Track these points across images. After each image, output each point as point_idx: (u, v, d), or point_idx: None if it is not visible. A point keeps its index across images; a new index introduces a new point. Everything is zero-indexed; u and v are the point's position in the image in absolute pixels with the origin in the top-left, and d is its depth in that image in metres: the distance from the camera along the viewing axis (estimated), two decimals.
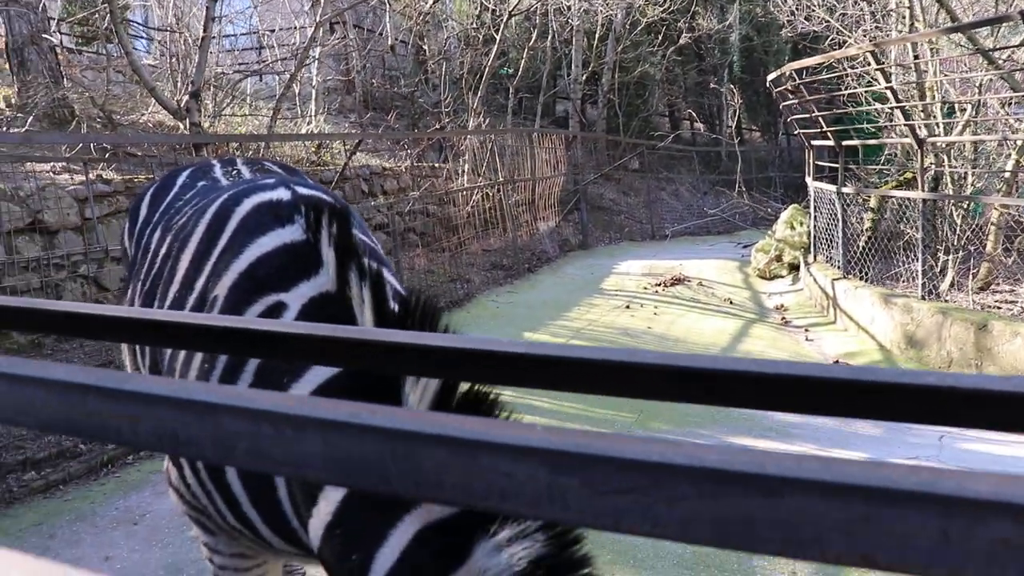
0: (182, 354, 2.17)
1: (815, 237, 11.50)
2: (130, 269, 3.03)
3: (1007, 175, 10.06)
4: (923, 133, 8.87)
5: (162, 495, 5.18)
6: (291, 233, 2.08)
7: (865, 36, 12.86)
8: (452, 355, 0.75)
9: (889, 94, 8.57)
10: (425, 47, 17.24)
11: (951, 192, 9.97)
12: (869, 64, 8.50)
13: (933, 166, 8.89)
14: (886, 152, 12.51)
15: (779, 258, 12.99)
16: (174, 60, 10.32)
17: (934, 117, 9.39)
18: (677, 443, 0.48)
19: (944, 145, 9.67)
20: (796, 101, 10.90)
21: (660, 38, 21.84)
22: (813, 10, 13.52)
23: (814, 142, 11.59)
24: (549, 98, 20.35)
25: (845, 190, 10.09)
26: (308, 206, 2.12)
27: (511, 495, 0.49)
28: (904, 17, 11.97)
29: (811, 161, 11.73)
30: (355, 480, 0.54)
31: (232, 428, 0.57)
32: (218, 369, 1.99)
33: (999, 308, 9.21)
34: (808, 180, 12.20)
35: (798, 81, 10.06)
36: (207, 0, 8.94)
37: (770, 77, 11.58)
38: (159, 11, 13.77)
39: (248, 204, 2.28)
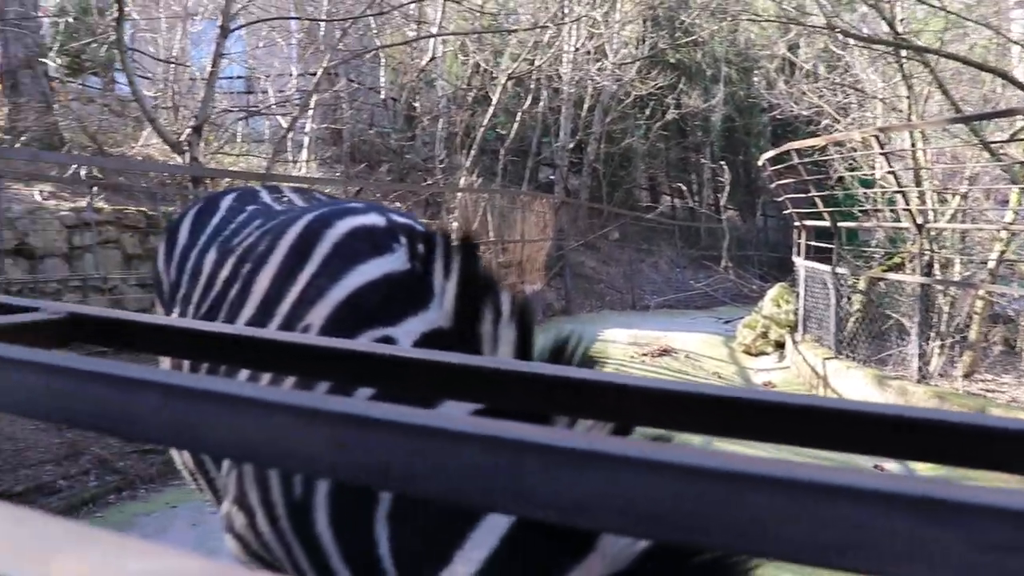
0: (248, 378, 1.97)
1: (804, 316, 11.50)
2: (169, 294, 2.84)
3: (991, 265, 10.19)
4: (919, 219, 8.95)
5: (148, 538, 4.83)
6: (392, 262, 1.92)
7: (853, 123, 13.11)
8: (623, 394, 0.64)
9: (892, 178, 8.67)
10: (417, 104, 17.30)
11: (939, 277, 10.04)
12: (870, 148, 8.61)
13: (930, 252, 8.95)
14: (875, 236, 12.66)
15: (765, 335, 12.98)
16: (175, 95, 10.16)
17: (931, 203, 9.50)
18: None
19: (936, 232, 9.77)
20: (793, 180, 11.00)
21: (648, 112, 22.19)
22: (804, 94, 13.77)
23: (807, 222, 11.67)
24: (535, 164, 20.49)
25: (840, 271, 10.12)
26: (409, 234, 1.98)
27: (859, 548, 0.40)
28: (884, 104, 12.26)
29: (803, 241, 11.79)
30: (653, 530, 0.42)
31: (479, 461, 0.45)
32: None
33: (986, 395, 9.21)
34: (796, 259, 12.26)
35: (797, 161, 10.15)
36: (217, 36, 8.84)
37: (767, 155, 11.71)
38: (154, 47, 13.70)
39: (341, 227, 2.10)
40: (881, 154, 8.20)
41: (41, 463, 5.51)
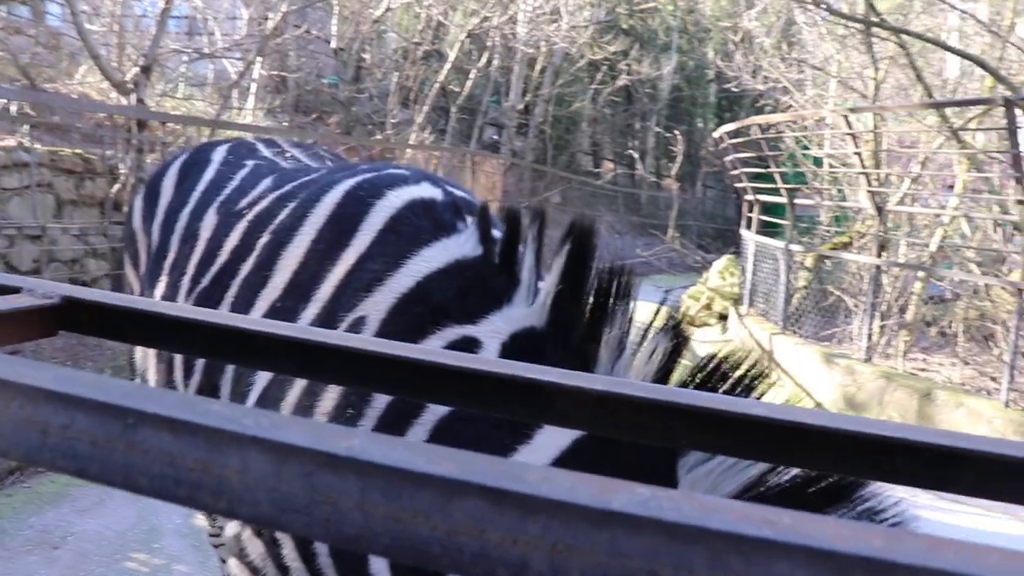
0: (266, 380, 1.70)
1: (751, 289, 11.60)
2: (153, 260, 2.47)
3: (932, 248, 10.40)
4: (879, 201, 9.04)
5: (85, 513, 4.59)
6: (461, 246, 1.63)
7: (809, 101, 13.18)
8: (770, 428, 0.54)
9: (856, 158, 8.72)
10: (367, 56, 16.85)
11: (887, 259, 10.20)
12: (828, 127, 8.64)
13: (884, 234, 9.06)
14: (819, 214, 12.82)
15: (709, 307, 13.09)
16: (122, 31, 9.62)
17: (891, 186, 9.61)
18: None
19: (893, 215, 9.91)
20: (750, 155, 11.01)
21: (599, 77, 22.08)
22: (760, 68, 13.79)
23: (760, 197, 11.72)
24: (483, 123, 20.23)
25: (793, 247, 10.20)
26: (473, 211, 1.73)
27: None
28: (840, 83, 12.36)
29: (755, 215, 11.84)
30: None
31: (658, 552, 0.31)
32: (370, 418, 1.49)
33: (932, 377, 9.43)
34: (745, 232, 12.34)
35: (760, 136, 10.15)
36: None
37: (726, 128, 11.69)
38: None
39: (394, 199, 1.79)
40: (848, 134, 8.23)
41: None
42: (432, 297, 1.57)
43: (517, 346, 1.45)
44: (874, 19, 8.18)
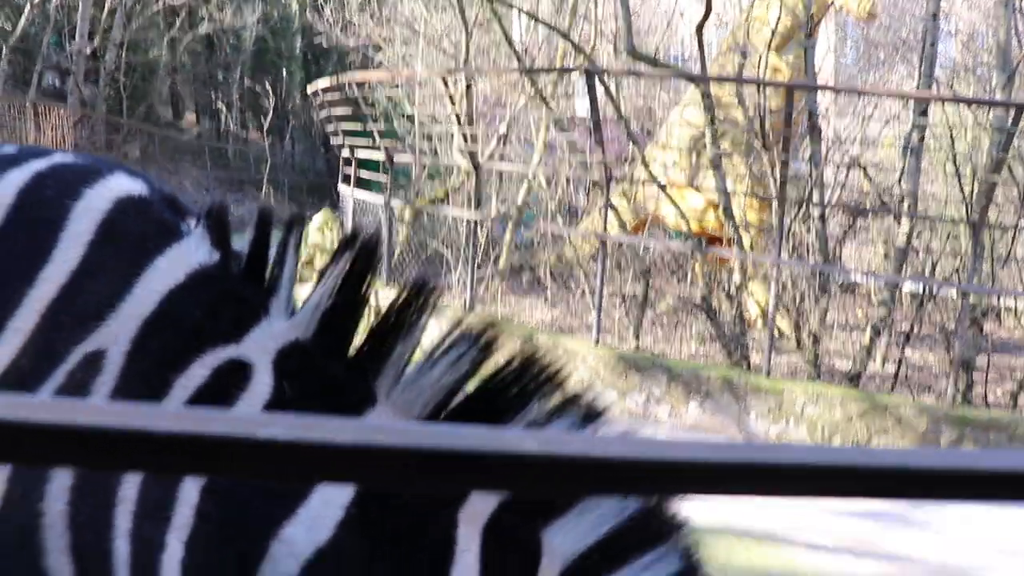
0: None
1: None
2: None
3: (519, 202, 11.38)
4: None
5: None
6: (195, 252, 1.40)
7: (400, 59, 13.55)
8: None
9: (455, 118, 9.16)
10: None
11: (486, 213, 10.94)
12: (423, 86, 8.96)
13: (477, 190, 9.69)
14: (412, 169, 13.33)
15: (310, 262, 13.02)
16: None
17: (482, 144, 10.26)
18: None
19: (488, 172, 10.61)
20: (350, 112, 11.08)
21: (176, 23, 20.59)
22: (352, 23, 13.87)
23: (358, 153, 11.85)
24: (43, 68, 17.89)
25: (395, 203, 10.52)
26: (185, 208, 1.49)
27: None
28: (430, 44, 12.93)
29: (353, 171, 11.96)
30: None
31: None
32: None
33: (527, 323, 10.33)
34: (344, 188, 12.45)
35: (358, 94, 10.24)
36: None
37: (320, 84, 11.61)
38: None
39: (98, 200, 1.46)
40: (448, 96, 8.61)
41: None
42: (182, 317, 1.35)
43: (290, 361, 1.29)
44: None
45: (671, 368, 7.72)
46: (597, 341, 7.55)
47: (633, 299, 9.54)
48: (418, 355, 1.29)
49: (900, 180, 10.58)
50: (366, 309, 1.33)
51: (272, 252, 1.38)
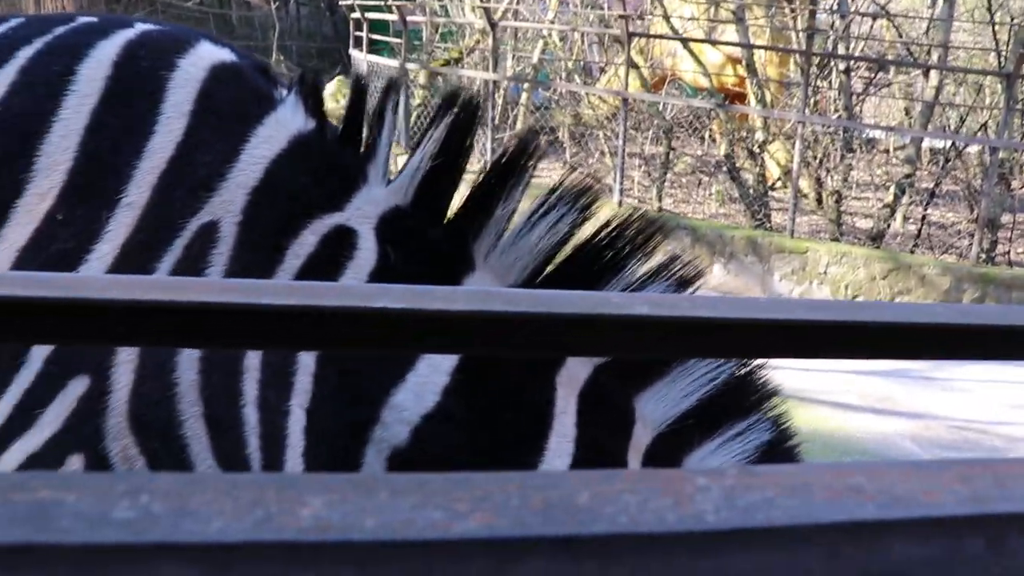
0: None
1: None
2: None
3: (535, 60, 11.14)
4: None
5: None
6: (291, 120, 1.39)
7: None
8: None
9: None
10: None
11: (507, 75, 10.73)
12: None
13: (495, 50, 9.45)
14: (430, 31, 12.99)
15: None
16: None
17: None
18: None
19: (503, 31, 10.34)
20: None
21: None
22: None
23: (369, 15, 11.53)
24: None
25: (410, 66, 10.31)
26: (301, 78, 1.43)
27: None
28: None
29: (365, 34, 11.67)
30: None
31: None
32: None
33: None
34: (356, 53, 12.18)
35: None
36: None
37: None
38: None
39: (193, 69, 1.43)
40: None
41: None
42: (287, 185, 1.36)
43: (391, 227, 1.32)
44: None
45: (695, 229, 7.73)
46: (620, 203, 7.54)
47: (652, 159, 9.45)
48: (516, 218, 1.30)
49: (928, 30, 10.27)
50: (464, 172, 1.34)
51: (383, 112, 1.38)
